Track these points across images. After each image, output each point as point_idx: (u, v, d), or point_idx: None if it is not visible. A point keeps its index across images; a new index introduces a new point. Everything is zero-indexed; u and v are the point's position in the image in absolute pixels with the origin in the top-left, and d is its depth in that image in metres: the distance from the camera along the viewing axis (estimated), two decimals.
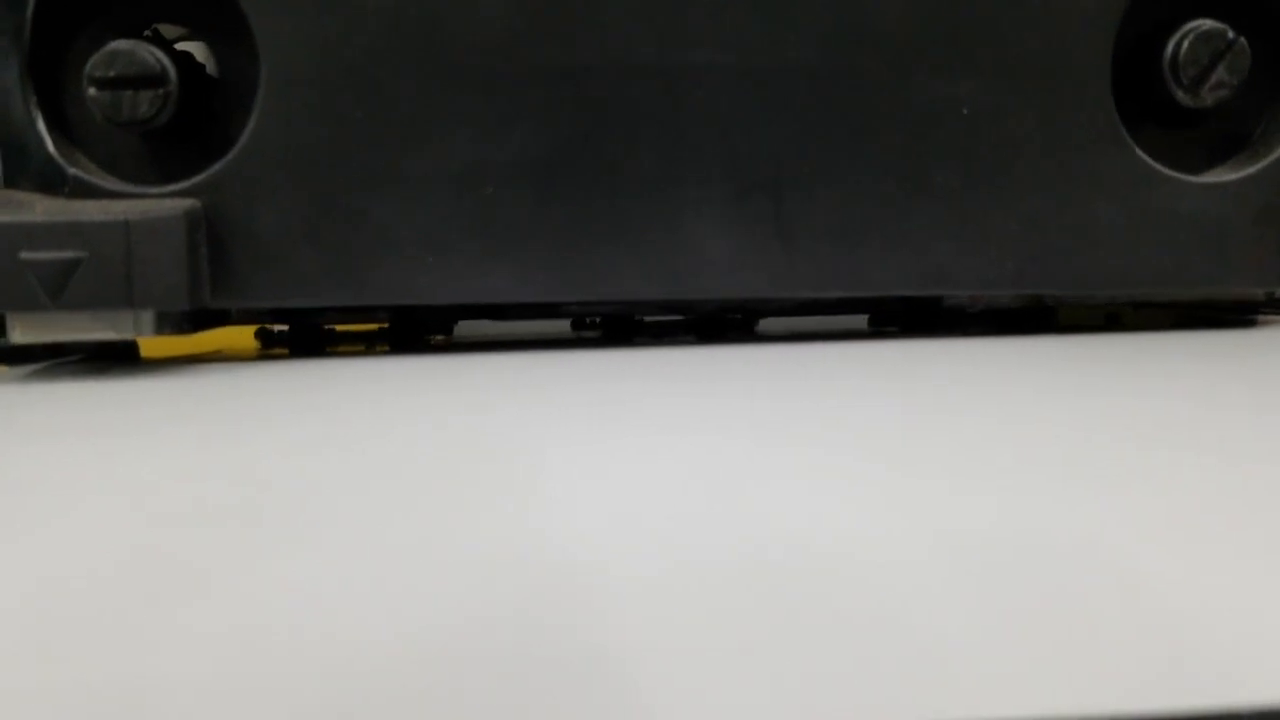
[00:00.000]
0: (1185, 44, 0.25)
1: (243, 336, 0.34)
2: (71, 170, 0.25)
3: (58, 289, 0.23)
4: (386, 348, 0.32)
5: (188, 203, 0.24)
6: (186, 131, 0.25)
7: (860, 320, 0.33)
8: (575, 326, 0.36)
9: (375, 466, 0.15)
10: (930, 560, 0.11)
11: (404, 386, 0.22)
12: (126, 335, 0.24)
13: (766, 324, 0.34)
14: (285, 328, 0.33)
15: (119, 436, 0.18)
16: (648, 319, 0.34)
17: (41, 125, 0.25)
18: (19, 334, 0.24)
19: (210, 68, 0.26)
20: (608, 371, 0.23)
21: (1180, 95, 0.25)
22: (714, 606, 0.11)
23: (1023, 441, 0.16)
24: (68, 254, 0.23)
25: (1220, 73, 0.25)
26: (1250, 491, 0.13)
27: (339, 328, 0.35)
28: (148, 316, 0.24)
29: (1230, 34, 0.25)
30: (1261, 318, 0.30)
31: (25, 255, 0.23)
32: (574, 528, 0.12)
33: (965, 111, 0.25)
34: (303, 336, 0.33)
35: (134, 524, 0.13)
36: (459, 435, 0.17)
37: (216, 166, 0.25)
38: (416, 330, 0.33)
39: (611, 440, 0.16)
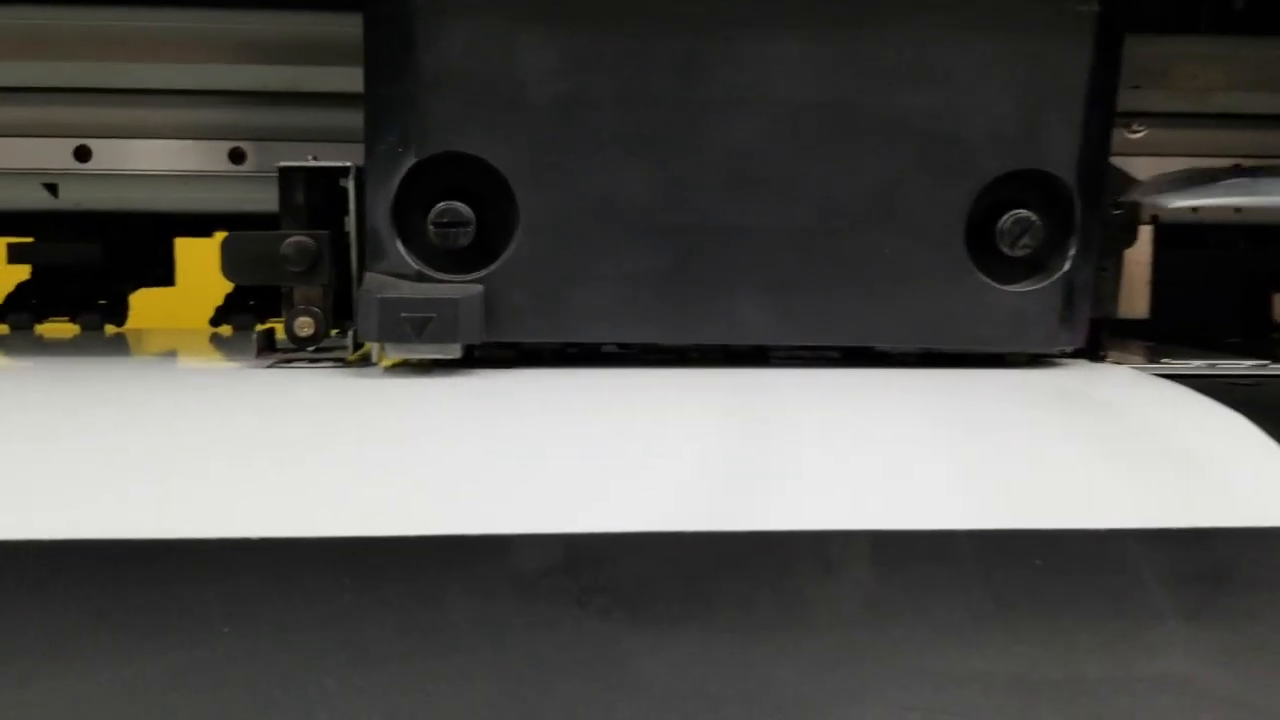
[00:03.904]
0: (1008, 222, 0.48)
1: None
2: (415, 267, 0.47)
3: (420, 332, 0.45)
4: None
5: (478, 286, 0.46)
6: (475, 246, 0.47)
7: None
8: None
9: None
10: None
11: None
12: (450, 356, 0.46)
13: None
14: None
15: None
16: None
17: (398, 241, 0.47)
18: (390, 354, 0.46)
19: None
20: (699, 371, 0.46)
21: (1004, 249, 0.48)
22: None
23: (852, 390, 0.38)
24: (426, 314, 0.45)
25: (1025, 239, 0.47)
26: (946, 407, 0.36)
27: None
28: (458, 346, 0.46)
29: (1033, 218, 0.48)
30: (1046, 362, 0.52)
31: (404, 314, 0.45)
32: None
33: (885, 250, 0.47)
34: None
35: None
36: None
37: (493, 266, 0.47)
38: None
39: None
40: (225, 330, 0.73)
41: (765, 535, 0.34)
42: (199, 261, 0.72)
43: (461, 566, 0.33)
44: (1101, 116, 0.48)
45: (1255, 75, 0.68)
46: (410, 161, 0.46)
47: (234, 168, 0.65)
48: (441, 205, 0.46)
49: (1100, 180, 0.49)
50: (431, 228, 0.46)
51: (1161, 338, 0.66)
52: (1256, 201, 0.40)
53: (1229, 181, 0.40)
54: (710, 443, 0.38)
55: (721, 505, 0.35)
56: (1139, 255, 0.56)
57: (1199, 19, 0.74)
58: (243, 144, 0.65)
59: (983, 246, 0.48)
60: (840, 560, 0.34)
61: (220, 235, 0.72)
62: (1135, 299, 0.69)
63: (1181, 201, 0.45)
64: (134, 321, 0.76)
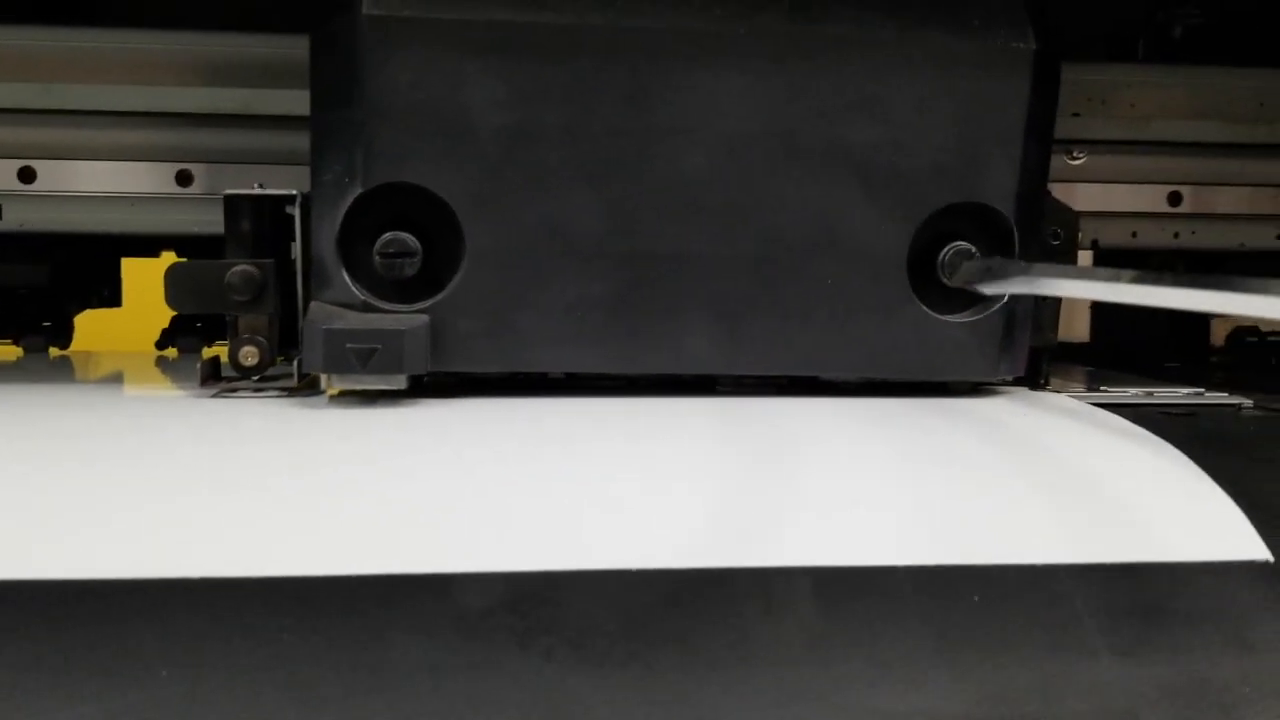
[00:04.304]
0: (948, 255, 0.48)
1: None
2: (360, 297, 0.47)
3: (365, 362, 0.45)
4: None
5: (424, 317, 0.46)
6: (422, 276, 0.47)
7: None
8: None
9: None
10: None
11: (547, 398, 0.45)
12: (396, 386, 0.46)
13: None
14: None
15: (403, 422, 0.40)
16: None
17: (344, 271, 0.47)
18: (335, 384, 0.46)
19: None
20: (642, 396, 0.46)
21: (945, 280, 0.48)
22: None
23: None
24: (371, 345, 0.45)
25: (962, 273, 0.48)
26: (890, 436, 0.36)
27: None
28: (404, 377, 0.46)
29: (972, 250, 0.48)
30: (987, 390, 0.53)
31: (349, 344, 0.45)
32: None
33: (828, 281, 0.48)
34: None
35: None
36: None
37: (439, 296, 0.47)
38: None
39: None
40: (171, 353, 0.72)
41: (709, 573, 0.34)
42: (146, 282, 0.71)
43: (403, 606, 0.33)
44: (1039, 149, 0.49)
45: (1192, 103, 0.70)
46: (356, 191, 0.46)
47: (181, 190, 0.64)
48: (387, 236, 0.46)
49: (1038, 211, 0.50)
50: (377, 258, 0.46)
51: (1103, 362, 0.67)
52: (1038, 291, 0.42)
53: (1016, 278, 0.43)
54: (651, 477, 0.38)
55: (666, 543, 0.35)
56: None
57: (1137, 48, 0.76)
58: (190, 166, 0.64)
59: (924, 277, 0.49)
60: (782, 597, 0.34)
61: (168, 256, 0.72)
62: (1076, 324, 0.70)
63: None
64: (79, 344, 0.75)
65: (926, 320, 0.49)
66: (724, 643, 0.33)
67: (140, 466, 0.38)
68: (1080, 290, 0.40)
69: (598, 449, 0.41)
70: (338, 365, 0.45)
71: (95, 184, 0.64)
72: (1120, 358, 0.68)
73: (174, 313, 0.72)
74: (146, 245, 0.72)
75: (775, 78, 0.47)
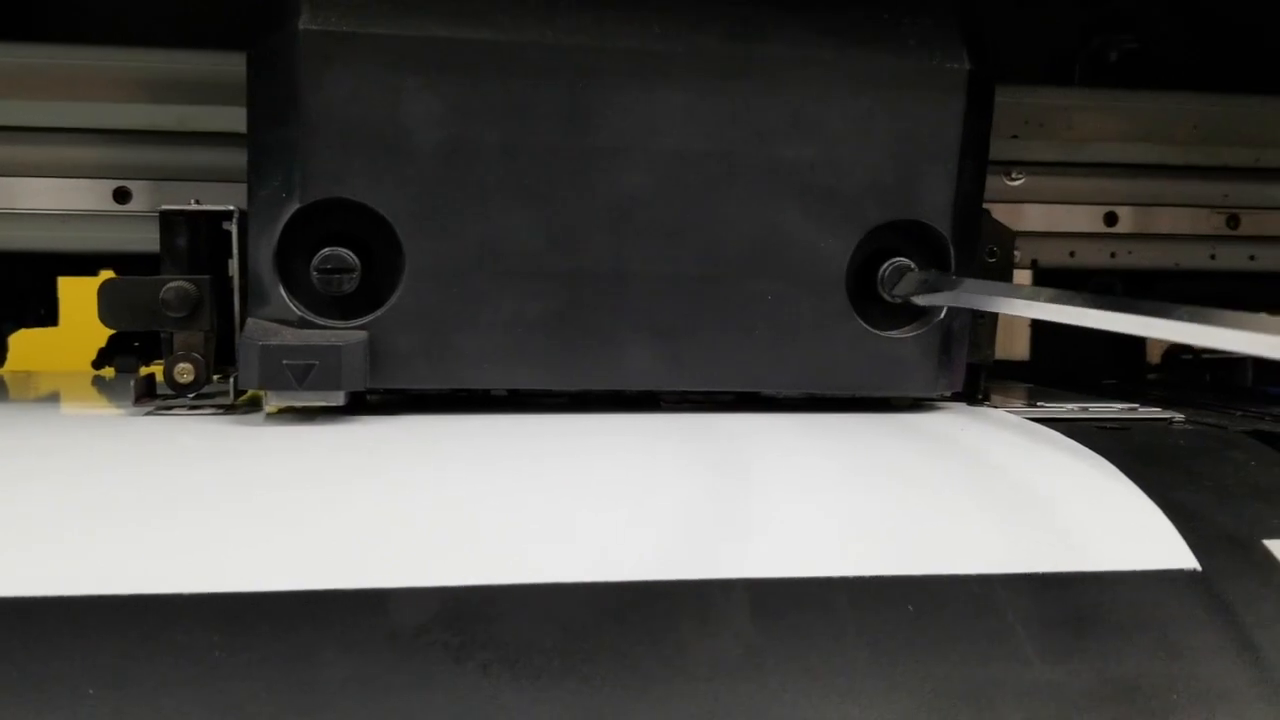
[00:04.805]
0: (887, 271, 0.49)
1: None
2: (298, 313, 0.46)
3: (301, 379, 0.44)
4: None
5: (363, 333, 0.46)
6: (361, 292, 0.47)
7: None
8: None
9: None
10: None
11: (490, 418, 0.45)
12: (334, 403, 0.45)
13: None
14: None
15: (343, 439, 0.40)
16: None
17: (281, 287, 0.46)
18: (274, 401, 0.46)
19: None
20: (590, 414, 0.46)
21: (884, 295, 0.49)
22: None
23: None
24: (308, 361, 0.44)
25: (902, 285, 0.49)
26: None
27: None
28: (342, 394, 0.46)
29: (911, 265, 0.49)
30: (927, 405, 0.53)
31: (285, 361, 0.44)
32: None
33: (769, 298, 0.48)
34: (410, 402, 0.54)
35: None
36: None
37: (379, 312, 0.46)
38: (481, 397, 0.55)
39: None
40: (108, 373, 0.71)
41: (644, 585, 0.34)
42: (83, 301, 0.70)
43: (335, 622, 0.32)
44: (974, 168, 0.50)
45: (1128, 126, 0.71)
46: (294, 207, 0.46)
47: (119, 207, 0.64)
48: (325, 251, 0.46)
49: (974, 228, 0.51)
50: (315, 274, 0.46)
51: (1043, 379, 0.68)
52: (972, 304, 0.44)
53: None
54: (589, 492, 0.38)
55: (603, 557, 0.35)
56: None
57: (1074, 72, 0.78)
58: (128, 183, 0.64)
59: (863, 294, 0.50)
60: (719, 610, 0.34)
61: (106, 274, 0.71)
62: (1016, 342, 0.71)
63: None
64: (13, 363, 0.74)
65: (866, 336, 0.49)
66: (660, 657, 0.33)
67: (70, 484, 0.37)
68: (1003, 305, 0.41)
69: (535, 465, 0.41)
70: (274, 382, 0.44)
71: (31, 201, 0.64)
72: (1059, 376, 0.69)
73: (111, 333, 0.71)
74: (84, 263, 0.71)
75: (714, 97, 0.47)
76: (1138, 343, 0.78)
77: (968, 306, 0.47)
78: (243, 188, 0.48)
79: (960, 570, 0.36)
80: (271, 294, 0.46)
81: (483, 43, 0.45)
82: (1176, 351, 0.77)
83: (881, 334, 0.49)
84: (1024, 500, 0.39)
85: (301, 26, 0.44)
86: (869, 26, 0.48)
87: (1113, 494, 0.40)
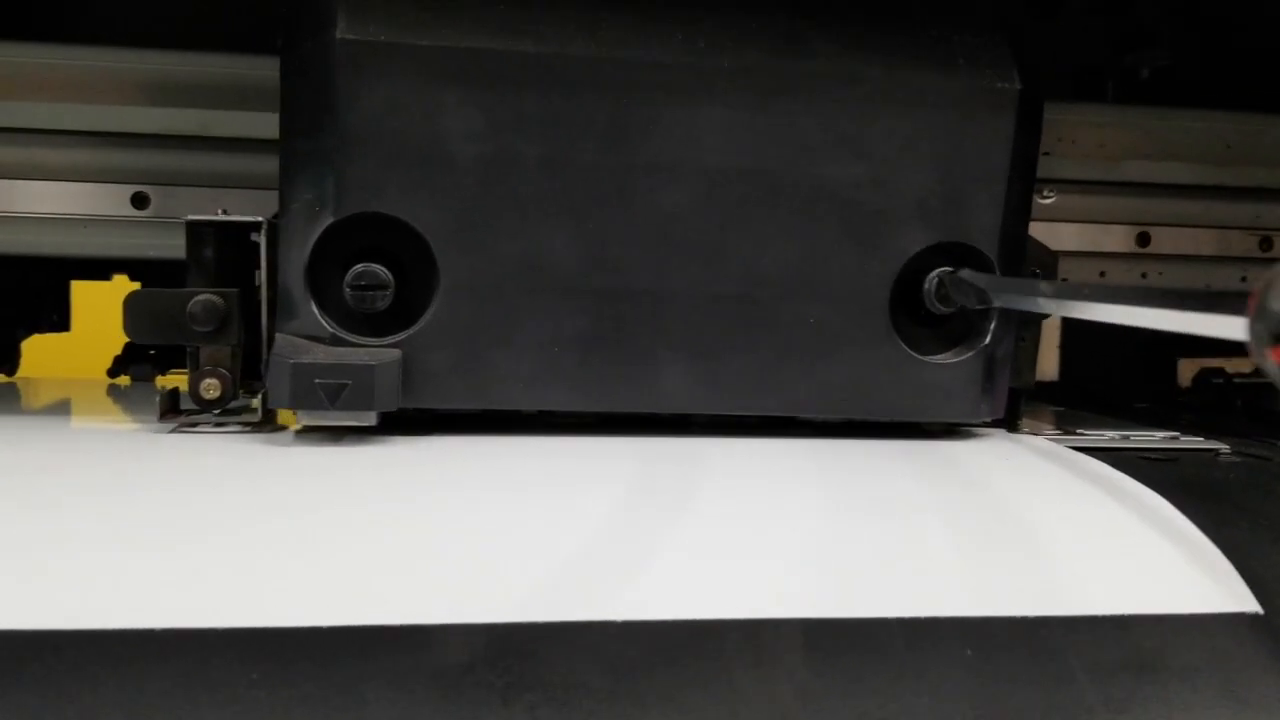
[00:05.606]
0: (933, 281, 0.48)
1: None
2: (330, 329, 0.45)
3: (334, 399, 0.43)
4: None
5: (396, 351, 0.45)
6: (393, 309, 0.45)
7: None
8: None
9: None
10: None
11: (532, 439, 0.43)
12: (366, 423, 0.44)
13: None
14: None
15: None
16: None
17: (313, 303, 0.45)
18: (303, 419, 0.45)
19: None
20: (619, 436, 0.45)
21: (933, 307, 0.48)
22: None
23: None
24: (341, 380, 0.43)
25: (957, 289, 0.47)
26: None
27: None
28: (374, 414, 0.44)
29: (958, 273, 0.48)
30: (964, 432, 0.52)
31: (318, 380, 0.43)
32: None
33: (809, 321, 0.47)
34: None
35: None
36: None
37: (412, 330, 0.45)
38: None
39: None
40: (124, 381, 0.70)
41: (691, 624, 0.33)
42: (97, 307, 0.69)
43: (379, 659, 0.31)
44: (1022, 189, 0.49)
45: (1160, 144, 0.70)
46: (328, 221, 0.44)
47: (136, 213, 0.62)
48: (359, 268, 0.45)
49: (1020, 251, 0.50)
50: (348, 290, 0.44)
51: (1071, 401, 0.67)
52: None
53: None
54: (627, 526, 0.37)
55: (653, 593, 0.34)
56: (1049, 319, 0.57)
57: (1106, 89, 0.77)
58: (146, 188, 0.63)
59: (906, 318, 0.48)
60: (769, 649, 0.33)
61: (120, 279, 0.70)
62: (1044, 362, 0.70)
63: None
64: (26, 370, 0.72)
65: (908, 361, 0.48)
66: (710, 697, 0.32)
67: (99, 507, 0.36)
68: (1082, 309, 0.39)
69: (578, 494, 0.39)
70: (306, 401, 0.43)
71: (46, 205, 0.62)
72: (1088, 398, 0.68)
73: (125, 338, 0.70)
74: (98, 268, 0.70)
75: (758, 114, 0.46)
76: (1169, 364, 0.77)
77: (1046, 312, 0.44)
78: (264, 195, 0.47)
79: (1017, 613, 0.35)
80: (301, 309, 0.45)
81: (524, 54, 0.44)
82: (1207, 374, 0.75)
83: (924, 359, 0.48)
84: (1077, 537, 0.38)
85: (339, 35, 0.43)
86: (916, 44, 0.47)
87: (1169, 533, 0.39)
